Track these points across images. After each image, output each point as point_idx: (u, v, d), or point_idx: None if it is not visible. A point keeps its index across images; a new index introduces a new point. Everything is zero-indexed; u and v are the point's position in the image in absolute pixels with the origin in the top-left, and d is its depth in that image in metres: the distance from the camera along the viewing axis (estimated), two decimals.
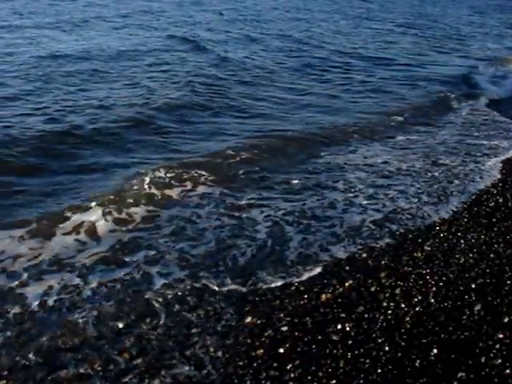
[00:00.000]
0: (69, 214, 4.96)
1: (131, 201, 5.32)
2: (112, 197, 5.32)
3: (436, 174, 6.55)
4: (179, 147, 7.15)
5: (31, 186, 5.75)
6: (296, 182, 6.15)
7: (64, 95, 9.15)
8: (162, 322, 3.74)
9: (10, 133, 7.10)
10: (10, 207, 5.22)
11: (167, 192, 5.62)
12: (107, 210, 5.09)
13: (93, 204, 5.13)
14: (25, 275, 4.14)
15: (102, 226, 4.88)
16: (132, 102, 8.82)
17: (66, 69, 10.96)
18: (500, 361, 3.40)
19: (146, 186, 5.60)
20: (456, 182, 6.29)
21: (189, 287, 4.14)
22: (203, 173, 6.10)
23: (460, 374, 3.30)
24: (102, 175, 6.13)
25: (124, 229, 4.88)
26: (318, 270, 4.41)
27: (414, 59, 14.70)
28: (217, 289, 4.14)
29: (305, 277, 4.31)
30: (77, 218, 4.93)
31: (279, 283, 4.22)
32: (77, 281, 4.13)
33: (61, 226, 4.81)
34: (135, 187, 5.56)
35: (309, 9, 25.66)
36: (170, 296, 4.04)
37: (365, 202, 5.68)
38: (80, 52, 12.60)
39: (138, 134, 7.55)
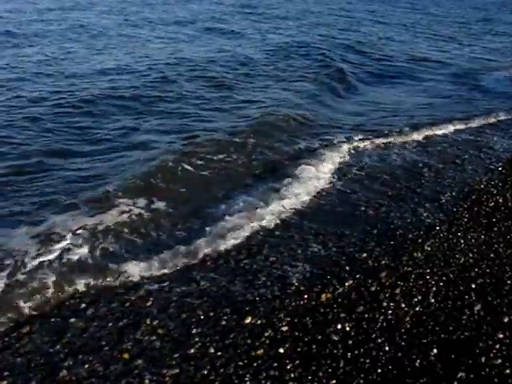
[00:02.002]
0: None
1: None
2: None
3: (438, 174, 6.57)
4: None
5: None
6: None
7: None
8: (162, 323, 3.74)
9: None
10: None
11: None
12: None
13: None
14: None
15: None
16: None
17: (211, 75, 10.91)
18: (500, 361, 3.40)
19: None
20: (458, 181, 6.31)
21: (188, 287, 4.15)
22: None
23: (460, 374, 3.30)
24: None
25: None
26: (318, 269, 4.42)
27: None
28: (216, 288, 4.14)
29: (305, 276, 4.32)
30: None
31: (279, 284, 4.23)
32: None
33: None
34: None
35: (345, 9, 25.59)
36: (169, 296, 4.04)
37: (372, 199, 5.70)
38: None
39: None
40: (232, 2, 25.46)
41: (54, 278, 4.09)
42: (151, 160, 6.31)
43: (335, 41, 16.15)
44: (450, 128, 8.59)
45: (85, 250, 4.48)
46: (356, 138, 7.71)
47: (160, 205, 5.39)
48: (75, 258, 4.36)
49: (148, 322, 3.74)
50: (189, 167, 6.25)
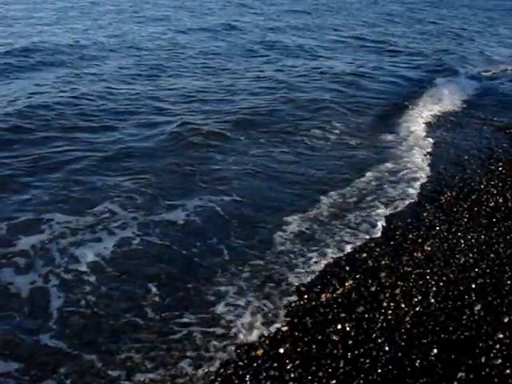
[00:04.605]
0: None
1: None
2: None
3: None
4: None
5: None
6: None
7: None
8: (162, 323, 3.74)
9: None
10: None
11: None
12: None
13: None
14: None
15: None
16: None
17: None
18: (500, 361, 3.40)
19: None
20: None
21: (187, 287, 4.15)
22: None
23: (460, 374, 3.30)
24: None
25: None
26: (318, 269, 4.42)
27: None
28: (217, 287, 4.15)
29: (305, 276, 4.32)
30: None
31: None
32: None
33: None
34: None
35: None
36: (169, 295, 4.04)
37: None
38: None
39: None
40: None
41: None
42: None
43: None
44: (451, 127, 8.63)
45: None
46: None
47: None
48: None
49: (148, 322, 3.75)
50: None
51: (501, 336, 3.62)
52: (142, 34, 15.43)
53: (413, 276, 4.33)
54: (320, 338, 3.61)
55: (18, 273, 4.22)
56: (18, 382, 3.23)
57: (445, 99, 10.37)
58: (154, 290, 4.09)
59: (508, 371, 3.32)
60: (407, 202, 5.72)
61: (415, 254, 4.66)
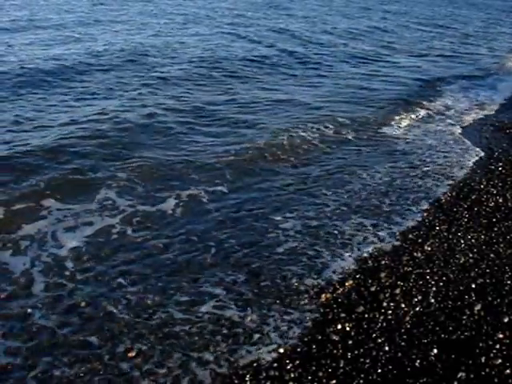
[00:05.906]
0: None
1: None
2: None
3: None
4: None
5: None
6: None
7: None
8: (162, 322, 3.74)
9: None
10: None
11: None
12: None
13: None
14: None
15: None
16: None
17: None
18: (500, 361, 3.40)
19: None
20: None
21: (188, 287, 4.15)
22: None
23: (460, 374, 3.30)
24: None
25: None
26: (318, 269, 4.42)
27: None
28: (218, 287, 4.15)
29: (304, 276, 4.32)
30: None
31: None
32: None
33: None
34: None
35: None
36: (168, 294, 4.04)
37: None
38: None
39: None
40: None
41: None
42: None
43: None
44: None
45: None
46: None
47: None
48: None
49: (149, 322, 3.75)
50: None
51: (501, 336, 3.62)
52: (198, 39, 15.24)
53: (413, 276, 4.33)
54: (320, 337, 3.61)
55: (14, 255, 4.40)
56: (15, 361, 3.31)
57: (449, 99, 10.41)
58: (145, 284, 4.10)
59: (508, 371, 3.32)
60: (407, 202, 5.73)
61: (415, 254, 4.66)
